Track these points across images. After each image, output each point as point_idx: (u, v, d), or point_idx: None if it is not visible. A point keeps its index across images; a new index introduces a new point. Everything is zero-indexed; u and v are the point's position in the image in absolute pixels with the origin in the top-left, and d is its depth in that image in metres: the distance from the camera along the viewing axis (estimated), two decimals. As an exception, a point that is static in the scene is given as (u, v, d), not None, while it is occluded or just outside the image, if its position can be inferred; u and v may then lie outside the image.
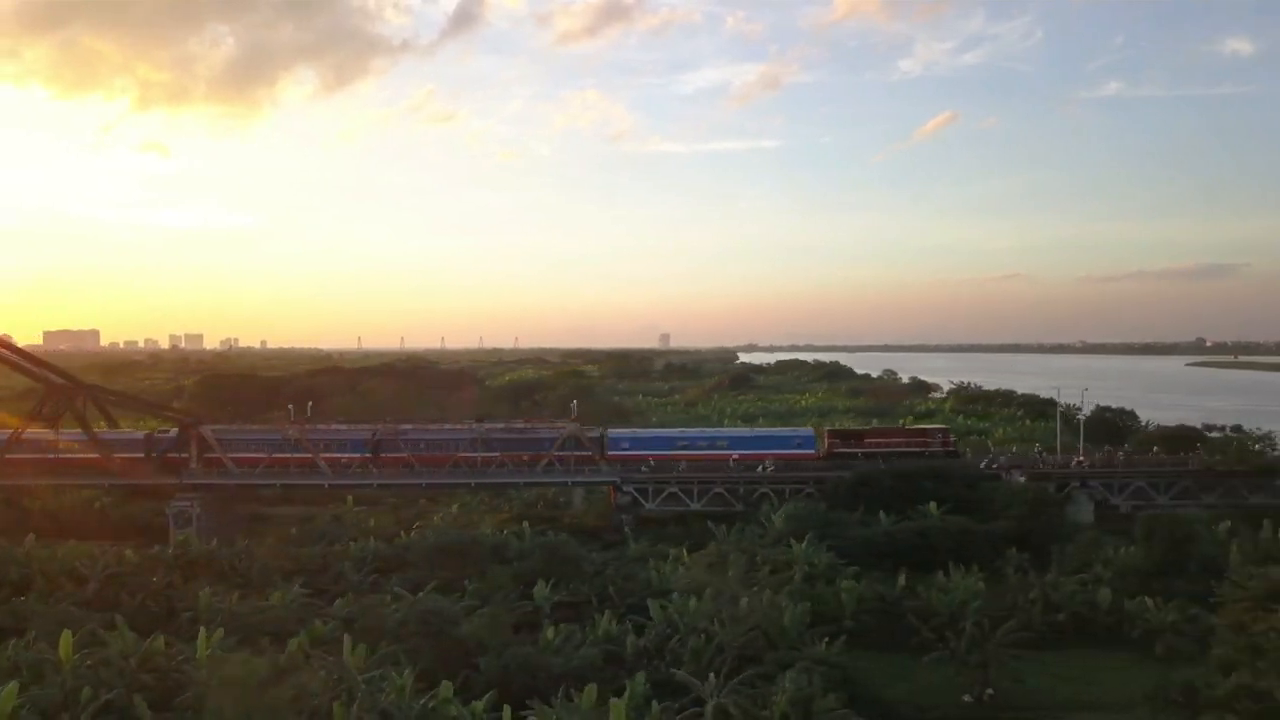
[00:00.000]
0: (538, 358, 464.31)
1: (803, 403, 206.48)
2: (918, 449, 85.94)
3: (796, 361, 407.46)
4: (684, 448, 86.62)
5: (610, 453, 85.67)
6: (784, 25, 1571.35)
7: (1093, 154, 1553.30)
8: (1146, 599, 54.04)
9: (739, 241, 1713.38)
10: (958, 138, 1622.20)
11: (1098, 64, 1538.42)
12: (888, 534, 69.34)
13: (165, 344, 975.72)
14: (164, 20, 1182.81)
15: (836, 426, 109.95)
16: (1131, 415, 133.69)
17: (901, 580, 58.03)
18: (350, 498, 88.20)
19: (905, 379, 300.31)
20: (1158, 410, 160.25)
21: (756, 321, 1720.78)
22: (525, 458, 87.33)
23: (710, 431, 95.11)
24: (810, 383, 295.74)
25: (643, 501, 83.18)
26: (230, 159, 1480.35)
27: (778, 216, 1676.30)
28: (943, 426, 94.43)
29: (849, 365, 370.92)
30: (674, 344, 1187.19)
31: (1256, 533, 66.28)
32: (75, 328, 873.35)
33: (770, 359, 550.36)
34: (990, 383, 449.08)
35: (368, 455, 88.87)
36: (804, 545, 62.03)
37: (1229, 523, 71.02)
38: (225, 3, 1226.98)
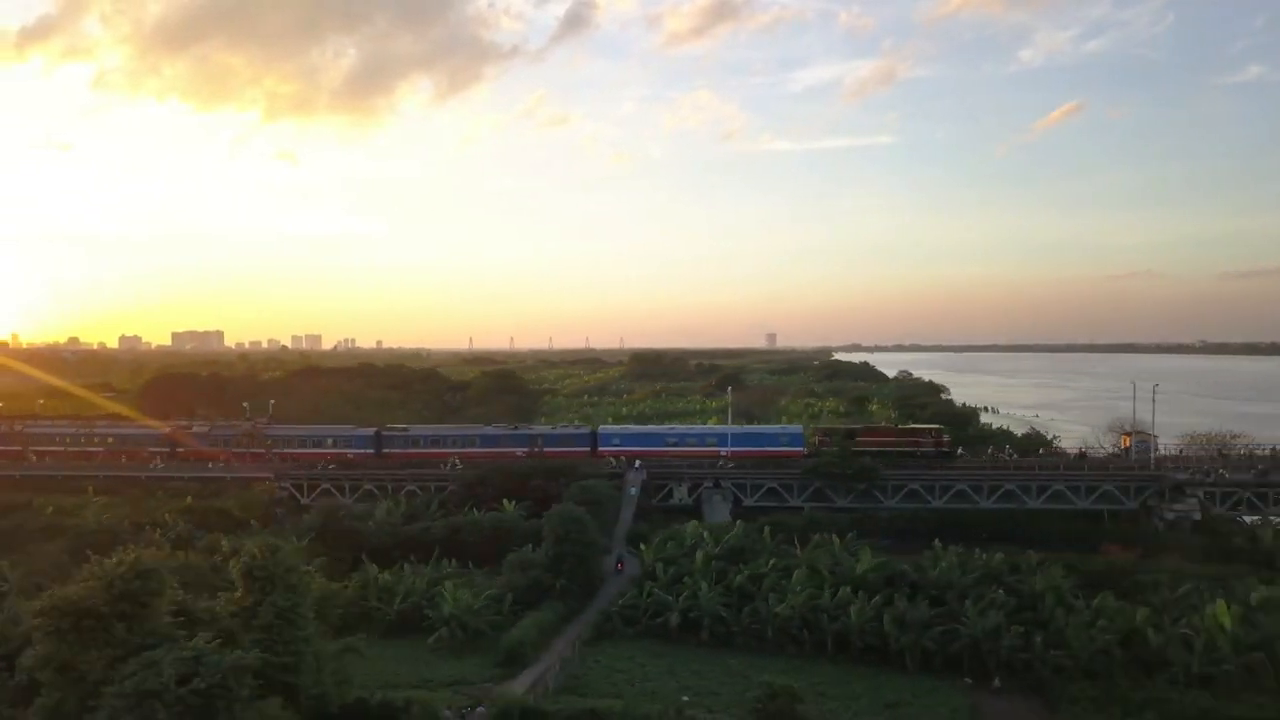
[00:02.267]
0: (592, 358, 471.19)
1: (712, 405, 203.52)
2: (909, 448, 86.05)
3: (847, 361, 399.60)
4: (673, 444, 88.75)
5: (601, 448, 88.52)
6: (897, 19, 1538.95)
7: (1230, 143, 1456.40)
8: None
9: (849, 240, 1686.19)
10: (1083, 129, 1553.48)
11: (1236, 48, 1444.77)
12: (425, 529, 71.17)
13: (288, 344, 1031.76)
14: (288, 34, 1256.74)
15: (825, 425, 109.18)
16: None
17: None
18: (90, 488, 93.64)
19: (928, 379, 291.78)
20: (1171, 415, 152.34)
21: (866, 321, 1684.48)
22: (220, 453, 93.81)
23: (699, 429, 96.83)
24: (813, 384, 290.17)
25: (299, 496, 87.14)
26: (351, 166, 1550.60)
27: (891, 214, 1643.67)
28: (936, 426, 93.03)
29: (924, 364, 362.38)
30: (780, 344, 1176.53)
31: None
32: (202, 329, 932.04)
33: (877, 358, 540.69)
34: (1044, 384, 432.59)
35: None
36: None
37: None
38: (344, 16, 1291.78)
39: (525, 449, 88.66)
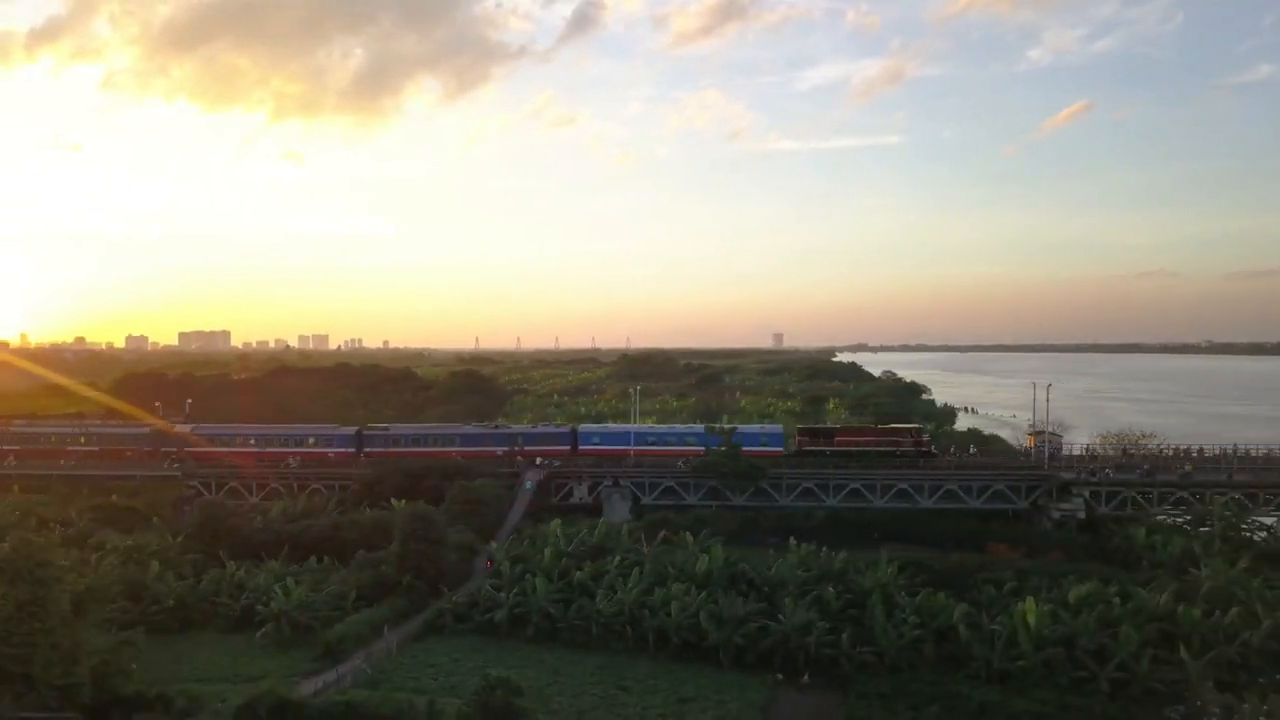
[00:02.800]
0: (590, 358, 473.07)
1: (674, 404, 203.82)
2: (889, 447, 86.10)
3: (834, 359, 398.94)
4: (652, 443, 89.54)
5: (581, 447, 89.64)
6: (905, 18, 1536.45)
7: (1239, 143, 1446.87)
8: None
9: (857, 240, 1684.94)
10: (1091, 129, 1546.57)
11: (1245, 47, 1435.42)
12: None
13: (295, 344, 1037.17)
14: (295, 35, 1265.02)
15: (809, 425, 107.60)
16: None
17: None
18: (16, 487, 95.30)
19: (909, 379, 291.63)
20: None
21: (874, 321, 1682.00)
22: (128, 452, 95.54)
23: (679, 428, 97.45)
24: (793, 384, 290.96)
25: (205, 492, 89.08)
26: (359, 166, 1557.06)
27: (899, 214, 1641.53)
28: (916, 426, 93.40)
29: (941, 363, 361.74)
30: (786, 344, 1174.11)
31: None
32: (209, 329, 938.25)
33: (876, 358, 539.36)
34: (1038, 384, 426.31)
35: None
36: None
37: None
38: (350, 16, 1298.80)
39: (505, 448, 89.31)
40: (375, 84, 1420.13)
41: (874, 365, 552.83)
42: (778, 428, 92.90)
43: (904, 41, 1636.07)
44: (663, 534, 68.66)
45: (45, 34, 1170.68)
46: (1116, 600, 52.75)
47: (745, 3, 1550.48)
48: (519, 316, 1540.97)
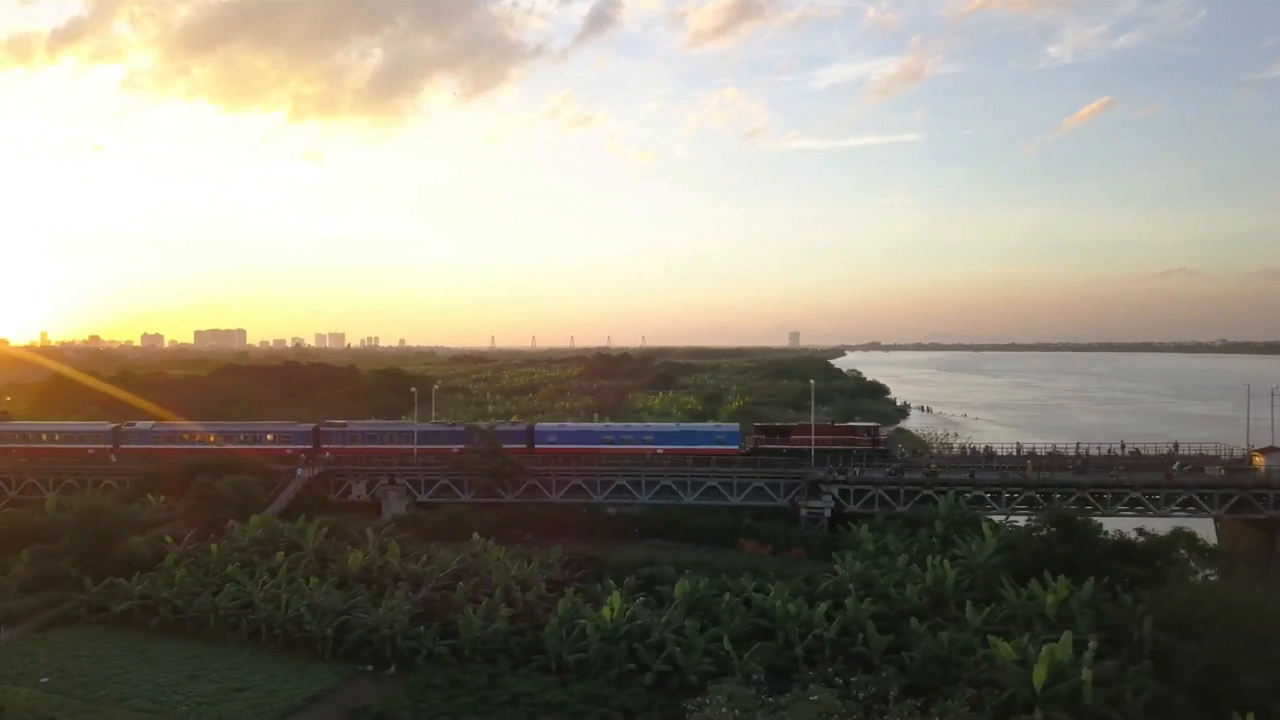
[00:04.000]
0: (573, 356, 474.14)
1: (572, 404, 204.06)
2: (845, 446, 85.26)
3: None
4: (608, 442, 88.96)
5: (538, 446, 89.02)
6: (923, 16, 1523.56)
7: (1264, 140, 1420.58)
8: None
9: (875, 239, 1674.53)
10: (1114, 127, 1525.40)
11: (1268, 43, 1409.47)
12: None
13: (312, 343, 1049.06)
14: (312, 35, 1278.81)
15: (763, 423, 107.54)
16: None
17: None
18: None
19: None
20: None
21: (890, 319, 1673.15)
22: None
23: (636, 426, 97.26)
24: (754, 382, 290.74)
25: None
26: (376, 166, 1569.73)
27: (917, 212, 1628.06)
28: (873, 424, 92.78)
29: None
30: (803, 342, 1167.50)
31: None
32: (224, 328, 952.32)
33: (887, 357, 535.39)
34: (1021, 384, 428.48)
35: None
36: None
37: None
38: (367, 17, 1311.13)
39: (461, 445, 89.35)
40: (392, 84, 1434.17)
41: (874, 364, 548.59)
42: (734, 427, 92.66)
43: (922, 39, 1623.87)
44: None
45: (67, 35, 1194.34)
46: (727, 595, 53.38)
47: (763, 1, 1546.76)
48: (535, 315, 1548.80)
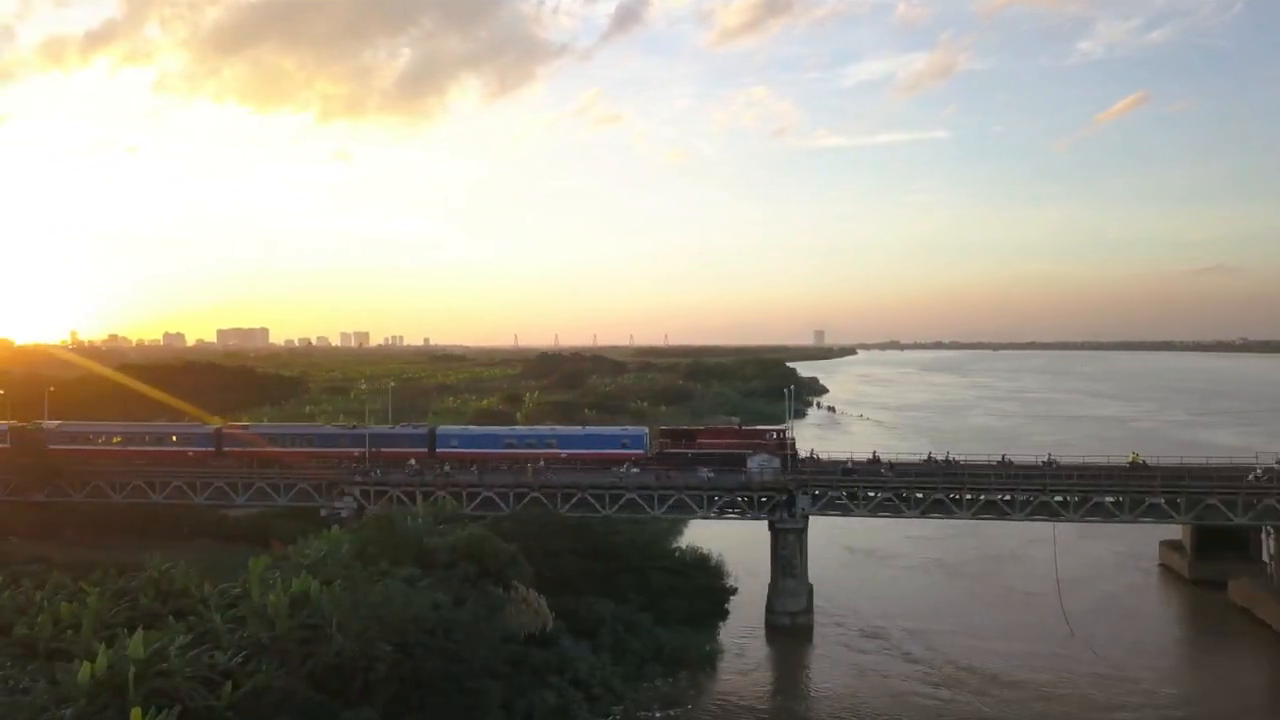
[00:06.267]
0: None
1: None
2: (750, 450, 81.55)
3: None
4: (509, 446, 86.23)
5: (439, 450, 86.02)
6: (953, 11, 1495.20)
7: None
8: None
9: (903, 236, 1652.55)
10: (1148, 122, 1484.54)
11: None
12: None
13: (337, 342, 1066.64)
14: (339, 37, 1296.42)
15: (669, 426, 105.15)
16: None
17: None
18: None
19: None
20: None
21: (915, 318, 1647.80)
22: None
23: (541, 430, 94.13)
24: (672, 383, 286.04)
25: None
26: (404, 166, 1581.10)
27: (945, 210, 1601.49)
28: (780, 428, 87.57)
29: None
30: (828, 341, 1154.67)
31: None
32: (247, 326, 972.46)
33: (903, 356, 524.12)
34: (985, 383, 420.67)
35: None
36: None
37: None
38: (392, 17, 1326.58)
39: (361, 448, 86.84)
40: (419, 84, 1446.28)
41: (869, 364, 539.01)
42: (640, 430, 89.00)
43: (952, 35, 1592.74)
44: None
45: (100, 36, 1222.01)
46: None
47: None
48: (559, 314, 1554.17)
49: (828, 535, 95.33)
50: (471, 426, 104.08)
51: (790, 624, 67.41)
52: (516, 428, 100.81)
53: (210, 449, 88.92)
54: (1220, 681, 58.34)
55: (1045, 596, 71.64)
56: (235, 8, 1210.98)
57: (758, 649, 64.68)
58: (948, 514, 69.46)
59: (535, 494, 71.63)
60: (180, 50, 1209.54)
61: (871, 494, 71.01)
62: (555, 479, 73.35)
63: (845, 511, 71.10)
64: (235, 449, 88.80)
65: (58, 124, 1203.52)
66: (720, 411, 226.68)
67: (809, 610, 68.50)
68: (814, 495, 69.56)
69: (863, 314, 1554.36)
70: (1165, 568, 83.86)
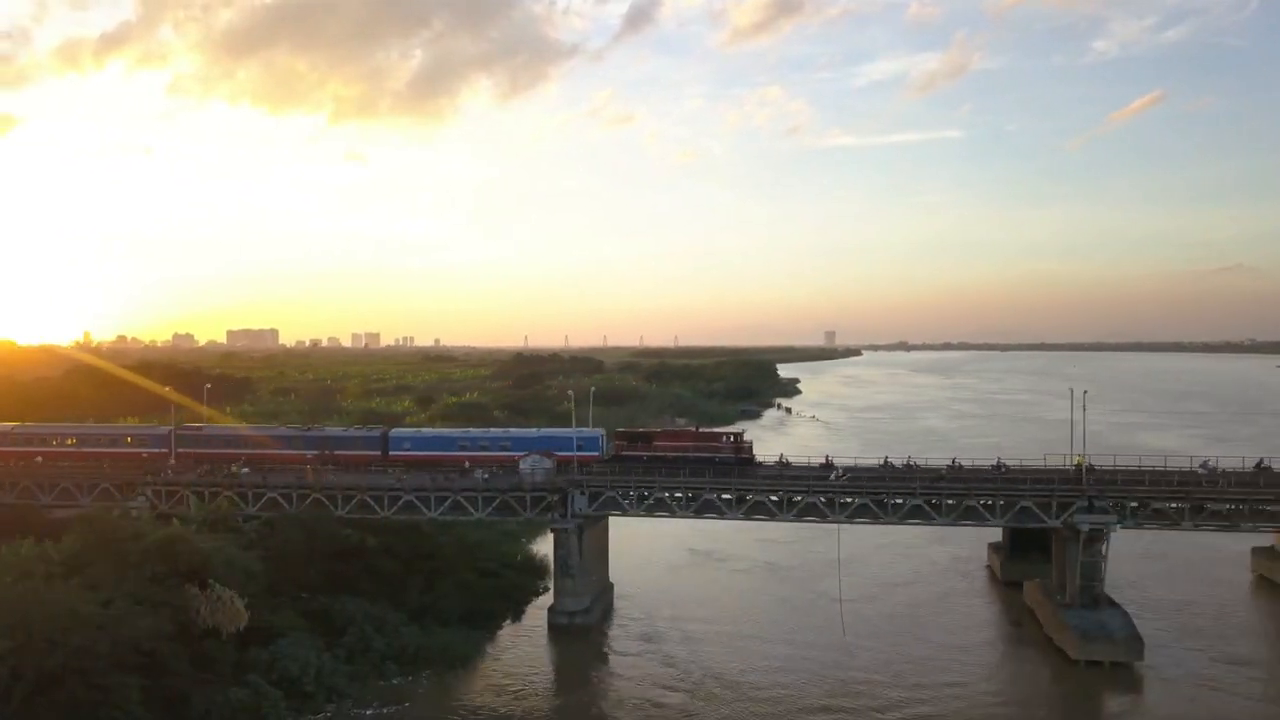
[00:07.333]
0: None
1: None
2: (708, 454, 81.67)
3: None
4: (462, 448, 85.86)
5: (392, 453, 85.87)
6: (966, 10, 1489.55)
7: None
8: None
9: (916, 237, 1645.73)
10: (1163, 121, 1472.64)
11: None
12: None
13: (348, 343, 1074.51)
14: (351, 38, 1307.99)
15: (626, 428, 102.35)
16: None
17: None
18: None
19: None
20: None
21: (928, 318, 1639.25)
22: None
23: (495, 432, 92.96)
24: (637, 385, 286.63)
25: None
26: (416, 167, 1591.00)
27: (958, 210, 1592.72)
28: (737, 431, 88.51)
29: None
30: (839, 342, 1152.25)
31: None
32: (256, 328, 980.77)
33: (910, 357, 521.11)
34: (958, 383, 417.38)
35: None
36: None
37: None
38: (404, 19, 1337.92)
39: (315, 450, 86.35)
40: (431, 85, 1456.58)
41: (867, 365, 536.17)
42: (597, 432, 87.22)
43: (965, 34, 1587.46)
44: None
45: (115, 39, 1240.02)
46: None
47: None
48: (570, 315, 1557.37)
49: (676, 537, 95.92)
50: (425, 429, 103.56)
51: (568, 624, 67.46)
52: (470, 430, 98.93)
53: (164, 450, 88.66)
54: (974, 683, 57.63)
55: (856, 603, 72.09)
56: (248, 10, 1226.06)
57: (523, 649, 64.77)
58: (719, 515, 69.73)
59: (317, 495, 71.56)
60: (194, 52, 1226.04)
61: (679, 494, 71.04)
62: (334, 480, 73.50)
63: (622, 511, 71.05)
64: (189, 450, 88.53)
65: (72, 126, 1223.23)
66: (669, 413, 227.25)
67: (589, 610, 68.54)
68: (590, 495, 69.53)
69: (873, 315, 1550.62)
70: (990, 569, 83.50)
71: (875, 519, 68.03)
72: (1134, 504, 64.71)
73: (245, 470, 79.03)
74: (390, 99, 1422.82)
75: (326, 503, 71.35)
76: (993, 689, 57.08)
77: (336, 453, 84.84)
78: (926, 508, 66.25)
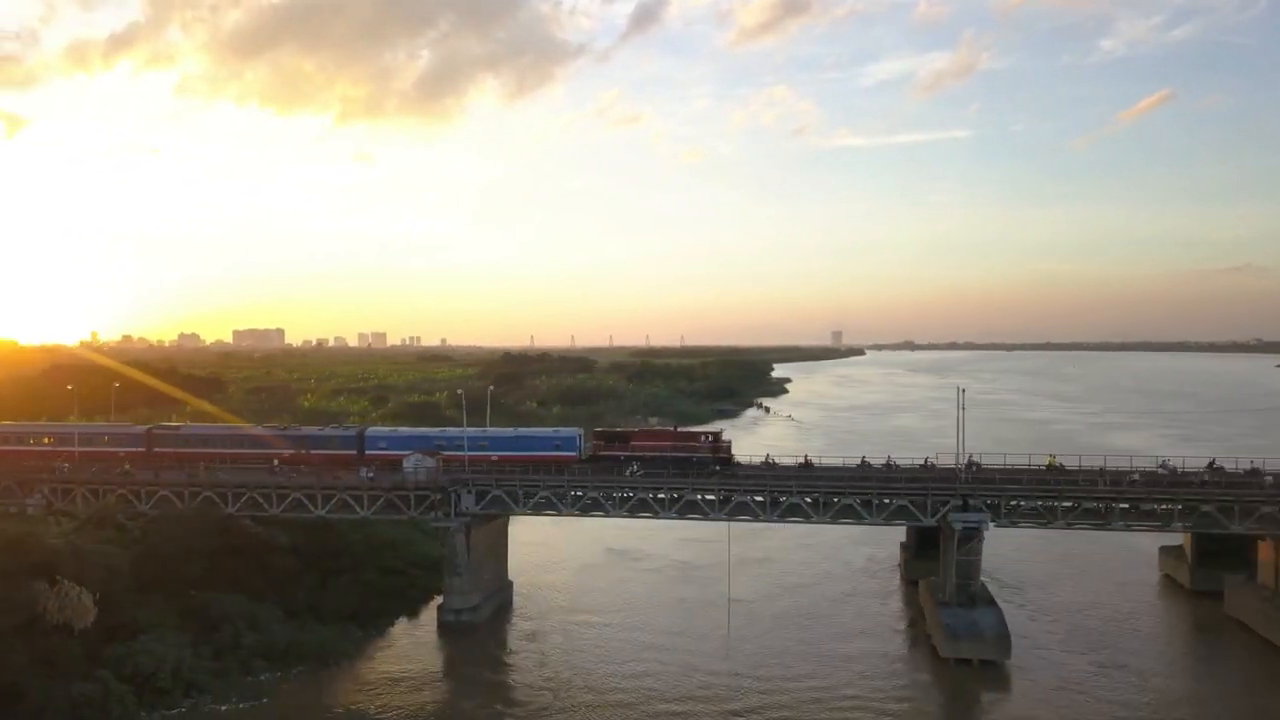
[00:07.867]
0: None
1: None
2: (686, 453, 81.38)
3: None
4: (439, 448, 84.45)
5: (368, 452, 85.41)
6: (972, 10, 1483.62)
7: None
8: None
9: (923, 237, 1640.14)
10: (1171, 120, 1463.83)
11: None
12: None
13: (355, 342, 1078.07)
14: (358, 39, 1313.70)
15: (604, 428, 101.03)
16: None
17: None
18: None
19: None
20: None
21: (935, 318, 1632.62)
22: None
23: (472, 431, 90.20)
24: (620, 384, 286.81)
25: None
26: (424, 167, 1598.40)
27: (965, 210, 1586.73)
28: (715, 430, 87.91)
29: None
30: (845, 342, 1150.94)
31: None
32: (262, 327, 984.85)
33: (915, 357, 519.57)
34: (940, 384, 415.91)
35: None
36: None
37: None
38: (411, 19, 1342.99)
39: (292, 450, 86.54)
40: (438, 85, 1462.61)
41: (867, 365, 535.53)
42: (574, 431, 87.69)
43: (973, 34, 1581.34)
44: None
45: (123, 40, 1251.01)
46: None
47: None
48: (576, 315, 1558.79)
49: (593, 535, 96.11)
50: (401, 428, 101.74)
51: (454, 621, 67.76)
52: (447, 429, 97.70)
53: (141, 449, 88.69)
54: (838, 683, 57.40)
55: (755, 603, 73.08)
56: (256, 11, 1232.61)
57: (405, 647, 64.96)
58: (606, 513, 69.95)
59: (208, 493, 71.99)
60: (201, 53, 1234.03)
61: (577, 493, 71.22)
62: (224, 478, 73.91)
63: (507, 509, 71.31)
64: (166, 449, 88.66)
65: (80, 126, 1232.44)
66: (643, 412, 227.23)
67: (478, 609, 68.80)
68: (478, 493, 69.82)
69: (880, 315, 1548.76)
70: (900, 569, 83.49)
71: (755, 517, 68.39)
72: (1017, 503, 64.57)
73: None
74: (397, 99, 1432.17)
75: (217, 500, 71.51)
76: (855, 688, 56.91)
77: (313, 452, 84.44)
78: (804, 505, 66.23)
